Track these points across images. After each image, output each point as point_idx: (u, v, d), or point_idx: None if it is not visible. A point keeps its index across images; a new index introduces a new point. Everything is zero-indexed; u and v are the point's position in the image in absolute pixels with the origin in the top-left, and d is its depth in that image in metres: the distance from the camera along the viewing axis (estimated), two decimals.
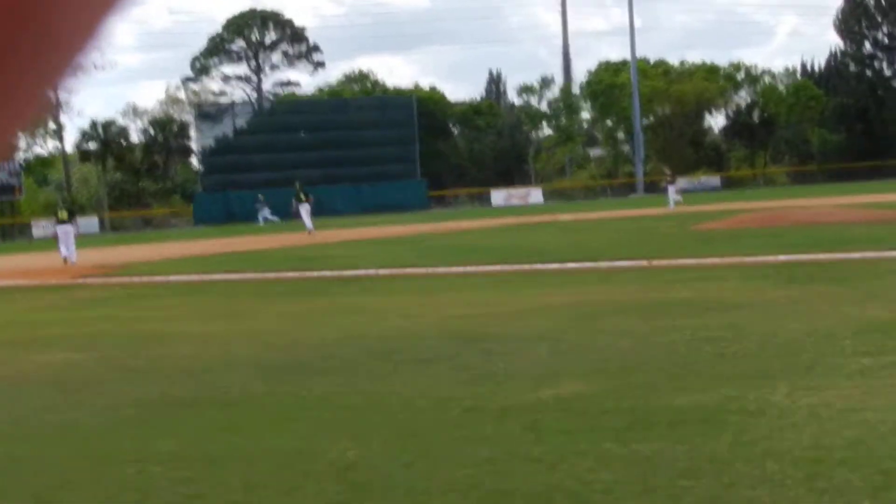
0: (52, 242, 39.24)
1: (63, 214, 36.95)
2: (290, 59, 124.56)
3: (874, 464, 6.37)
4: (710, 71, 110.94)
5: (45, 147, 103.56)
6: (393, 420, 8.32)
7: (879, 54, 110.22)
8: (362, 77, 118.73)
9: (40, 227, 79.66)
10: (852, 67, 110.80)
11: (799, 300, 14.04)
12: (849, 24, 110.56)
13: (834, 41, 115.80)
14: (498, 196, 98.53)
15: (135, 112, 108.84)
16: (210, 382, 10.51)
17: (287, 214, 64.41)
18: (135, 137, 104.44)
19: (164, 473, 7.13)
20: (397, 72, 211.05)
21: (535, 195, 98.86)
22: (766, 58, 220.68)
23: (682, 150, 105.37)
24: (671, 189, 59.06)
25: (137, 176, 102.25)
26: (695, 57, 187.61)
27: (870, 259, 19.32)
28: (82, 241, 41.91)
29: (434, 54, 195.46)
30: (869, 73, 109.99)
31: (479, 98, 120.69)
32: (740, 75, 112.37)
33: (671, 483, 6.25)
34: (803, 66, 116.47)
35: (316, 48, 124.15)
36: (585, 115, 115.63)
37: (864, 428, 7.15)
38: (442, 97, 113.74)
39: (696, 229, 32.80)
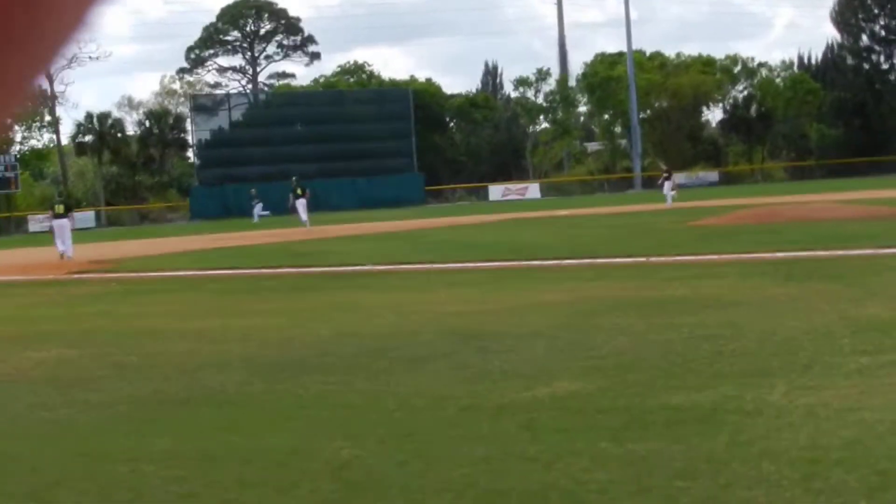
0: (48, 237, 39.21)
1: (60, 208, 36.89)
2: (286, 51, 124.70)
3: (871, 464, 6.34)
4: (707, 63, 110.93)
5: (41, 140, 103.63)
6: (388, 419, 8.29)
7: (877, 47, 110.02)
8: (358, 69, 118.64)
9: (36, 222, 79.65)
10: (849, 60, 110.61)
11: (797, 298, 14.02)
12: (845, 16, 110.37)
13: (831, 34, 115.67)
14: (495, 191, 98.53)
15: (130, 104, 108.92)
16: (205, 380, 10.48)
17: (280, 209, 64.29)
18: (130, 130, 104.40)
19: (158, 472, 7.10)
20: (393, 64, 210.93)
21: (533, 190, 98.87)
22: (762, 50, 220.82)
23: (680, 145, 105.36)
24: (667, 185, 58.91)
25: (134, 169, 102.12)
26: (691, 49, 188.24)
27: (868, 256, 19.30)
28: (79, 235, 41.87)
29: (430, 46, 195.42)
30: (866, 66, 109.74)
31: (475, 91, 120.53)
32: (737, 68, 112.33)
33: (667, 483, 6.22)
34: (800, 58, 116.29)
35: (311, 39, 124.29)
36: (582, 108, 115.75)
37: (862, 428, 7.13)
38: (438, 90, 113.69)
39: (694, 225, 32.80)
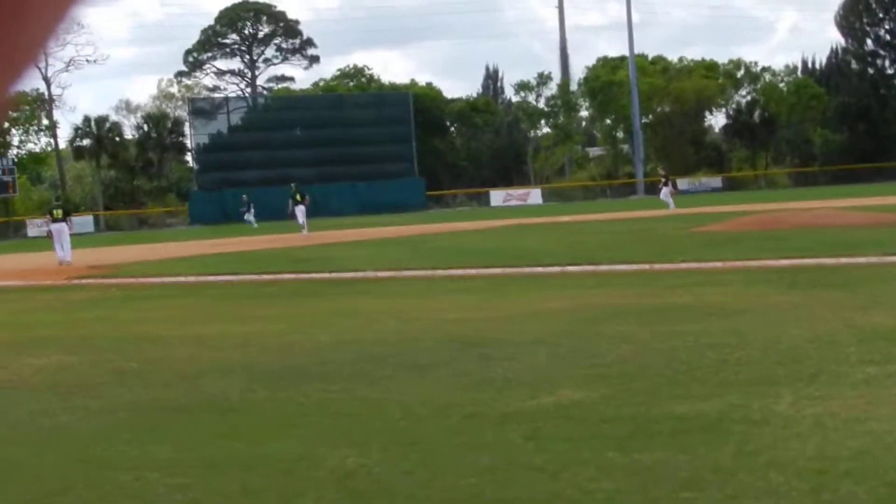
0: (46, 242, 39.18)
1: (58, 213, 36.85)
2: (284, 54, 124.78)
3: (879, 475, 6.30)
4: (710, 68, 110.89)
5: (39, 143, 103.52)
6: (392, 427, 8.24)
7: (881, 52, 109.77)
8: (357, 72, 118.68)
9: (35, 226, 79.62)
10: (854, 65, 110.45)
11: (802, 306, 13.97)
12: (850, 20, 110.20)
13: (835, 38, 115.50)
14: (497, 196, 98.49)
15: (128, 108, 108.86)
16: (206, 387, 10.43)
17: (274, 215, 64.32)
18: (129, 134, 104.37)
19: (161, 479, 7.06)
20: (393, 67, 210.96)
21: (535, 195, 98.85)
22: (766, 55, 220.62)
23: (682, 150, 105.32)
24: (664, 190, 58.77)
25: (132, 174, 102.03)
26: (693, 53, 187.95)
27: (874, 264, 19.23)
28: (78, 240, 41.86)
29: (430, 49, 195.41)
30: (871, 70, 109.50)
31: (475, 94, 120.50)
32: (740, 73, 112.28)
33: (673, 494, 6.18)
34: (804, 63, 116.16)
35: (310, 42, 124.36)
36: (584, 113, 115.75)
37: (870, 438, 7.08)
38: (438, 94, 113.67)
39: (697, 232, 32.73)
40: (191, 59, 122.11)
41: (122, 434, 8.56)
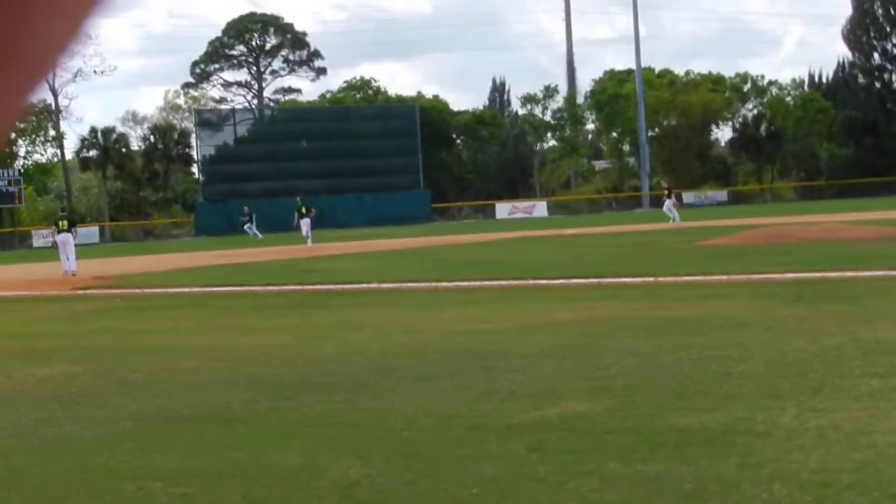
0: (52, 253, 39.23)
1: (63, 224, 36.88)
2: (291, 66, 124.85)
3: (883, 488, 6.30)
4: (716, 81, 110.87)
5: (45, 154, 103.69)
6: (396, 438, 8.24)
7: (889, 66, 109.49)
8: (364, 84, 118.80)
9: (40, 237, 79.69)
10: (861, 79, 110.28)
11: (806, 319, 13.96)
12: (857, 34, 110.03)
13: (842, 52, 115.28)
14: (502, 209, 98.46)
15: (134, 119, 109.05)
16: (210, 397, 10.43)
17: (282, 227, 64.42)
18: (135, 145, 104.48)
19: (165, 489, 7.07)
20: (400, 79, 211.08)
21: (540, 208, 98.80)
22: (772, 68, 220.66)
23: (689, 163, 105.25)
24: (667, 203, 58.64)
25: (138, 185, 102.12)
26: (700, 67, 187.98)
27: (879, 277, 19.22)
28: (82, 251, 41.92)
29: (437, 62, 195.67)
30: (878, 85, 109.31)
31: (482, 107, 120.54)
32: (747, 86, 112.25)
33: None
34: (811, 77, 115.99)
35: (317, 54, 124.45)
36: (590, 126, 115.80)
37: (873, 451, 7.07)
38: (445, 106, 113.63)
39: (703, 245, 32.70)
40: (198, 70, 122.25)
41: (126, 444, 8.56)
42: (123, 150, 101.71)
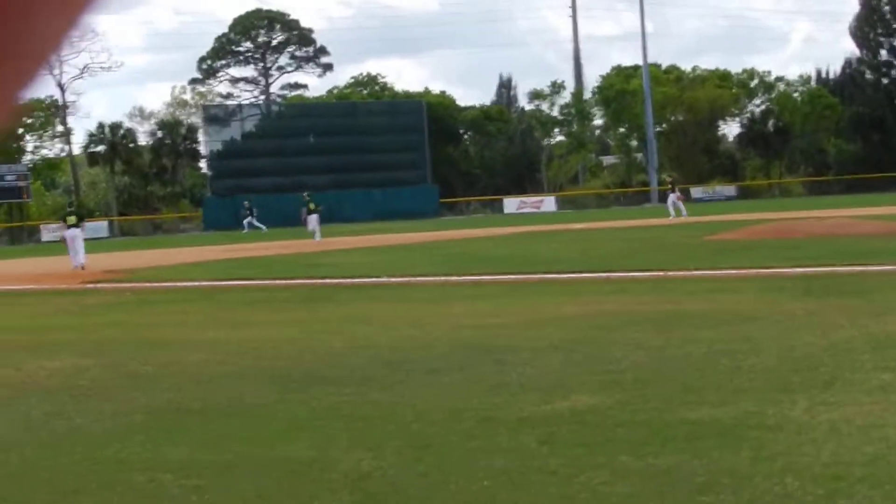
0: (60, 247, 39.27)
1: (71, 220, 36.92)
2: (298, 62, 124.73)
3: (895, 480, 6.27)
4: (723, 77, 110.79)
5: (53, 149, 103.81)
6: (406, 430, 8.24)
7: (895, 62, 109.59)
8: (371, 81, 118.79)
9: (49, 231, 79.72)
10: (868, 75, 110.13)
11: (816, 313, 13.93)
12: (864, 30, 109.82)
13: (849, 48, 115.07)
14: (510, 204, 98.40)
15: (142, 114, 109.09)
16: (219, 390, 10.44)
17: (289, 222, 64.45)
18: (142, 140, 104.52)
19: (175, 481, 7.08)
20: (407, 75, 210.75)
21: (548, 203, 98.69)
22: (779, 65, 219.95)
23: (696, 159, 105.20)
24: (671, 197, 58.32)
25: (146, 180, 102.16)
26: (707, 63, 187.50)
27: (888, 272, 19.18)
28: (91, 245, 41.85)
29: (444, 58, 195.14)
30: (885, 81, 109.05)
31: (489, 103, 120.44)
32: (754, 82, 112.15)
33: (689, 498, 6.17)
34: (818, 73, 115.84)
35: (324, 51, 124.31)
36: (598, 121, 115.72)
37: (885, 444, 7.07)
38: (452, 102, 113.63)
39: (711, 240, 32.66)
40: (205, 66, 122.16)
41: (136, 436, 8.57)
42: (131, 145, 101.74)
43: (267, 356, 12.75)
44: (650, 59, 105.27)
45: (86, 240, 37.07)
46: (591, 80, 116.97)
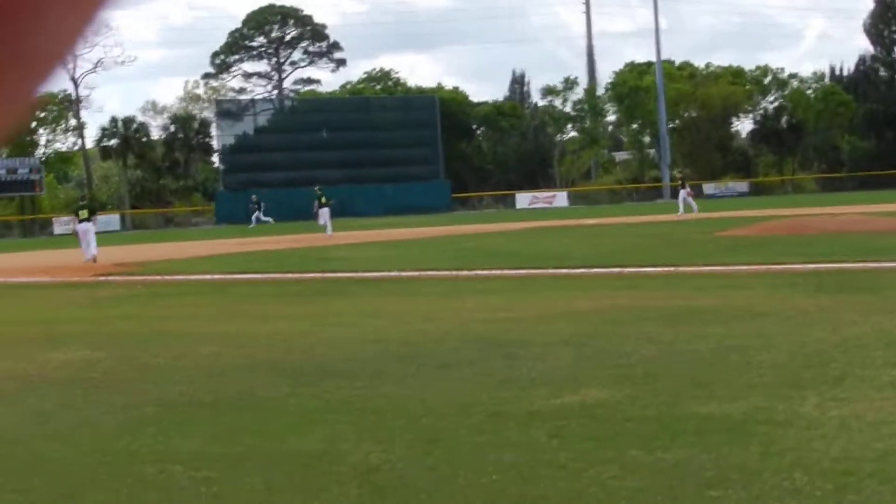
0: (73, 240, 39.34)
1: (83, 214, 37.03)
2: (311, 57, 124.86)
3: None
4: (737, 74, 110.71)
5: (66, 143, 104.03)
6: (416, 424, 8.24)
7: None
8: (384, 76, 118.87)
9: (61, 224, 79.88)
10: (882, 72, 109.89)
11: (828, 309, 13.90)
12: (878, 27, 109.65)
13: (863, 45, 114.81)
14: (522, 199, 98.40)
15: (155, 108, 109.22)
16: (231, 383, 10.45)
17: (301, 216, 64.48)
18: (155, 134, 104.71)
19: (186, 473, 7.09)
20: (420, 71, 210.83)
21: (560, 198, 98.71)
22: (793, 61, 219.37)
23: (709, 155, 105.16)
24: (682, 193, 58.15)
25: (158, 173, 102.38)
26: (720, 60, 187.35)
27: None
28: (103, 238, 41.98)
29: (457, 53, 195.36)
30: None
31: (502, 99, 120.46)
32: (767, 79, 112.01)
33: (698, 493, 6.17)
34: (832, 70, 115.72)
35: (337, 46, 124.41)
36: (611, 117, 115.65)
37: (895, 440, 7.04)
38: (465, 97, 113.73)
39: (723, 236, 32.62)
40: (218, 61, 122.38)
41: (147, 428, 8.58)
42: (144, 139, 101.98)
43: (278, 349, 12.76)
44: (664, 56, 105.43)
45: (98, 233, 37.21)
46: (605, 76, 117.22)
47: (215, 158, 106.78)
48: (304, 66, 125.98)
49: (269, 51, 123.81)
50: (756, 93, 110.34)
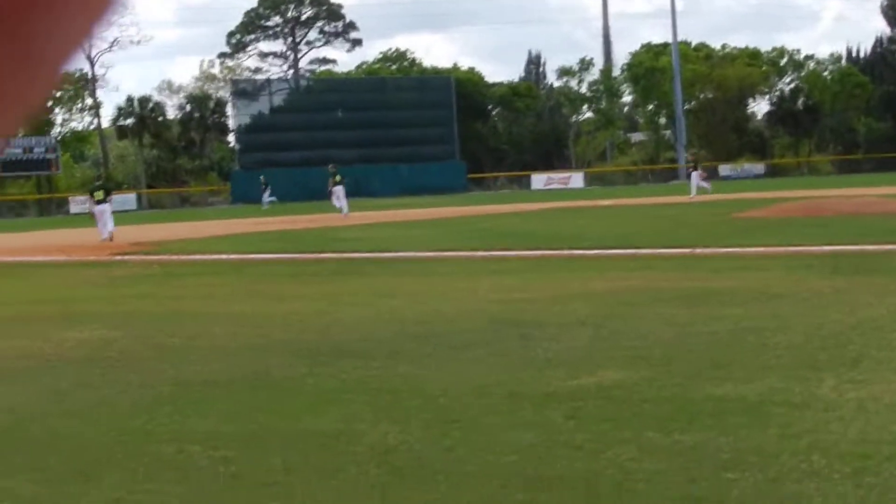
0: (89, 219, 39.39)
1: (99, 195, 37.15)
2: (327, 37, 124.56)
3: None
4: (753, 56, 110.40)
5: (82, 122, 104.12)
6: (432, 404, 8.24)
7: None
8: (400, 56, 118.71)
9: (77, 203, 79.96)
10: None
11: (844, 291, 13.87)
12: (895, 9, 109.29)
13: (880, 27, 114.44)
14: (538, 180, 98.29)
15: (170, 88, 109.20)
16: (247, 363, 10.47)
17: (317, 195, 64.47)
18: (171, 114, 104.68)
19: (204, 452, 7.10)
20: (435, 51, 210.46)
21: (576, 179, 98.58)
22: (810, 43, 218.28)
23: (725, 136, 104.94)
24: (694, 175, 57.95)
25: (174, 153, 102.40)
26: (737, 41, 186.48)
27: None
28: (120, 217, 42.10)
29: (473, 34, 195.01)
30: None
31: (517, 79, 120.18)
32: (783, 61, 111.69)
33: (715, 475, 6.16)
34: (848, 52, 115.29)
35: (352, 26, 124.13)
36: (626, 98, 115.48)
37: None
38: (480, 78, 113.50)
39: (739, 217, 32.55)
40: (234, 40, 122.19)
41: (164, 408, 8.60)
42: (160, 118, 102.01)
43: (294, 329, 12.77)
44: (680, 37, 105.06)
45: (114, 212, 37.33)
46: (621, 57, 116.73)
47: (231, 138, 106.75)
48: (320, 46, 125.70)
49: (285, 30, 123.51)
50: (772, 74, 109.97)
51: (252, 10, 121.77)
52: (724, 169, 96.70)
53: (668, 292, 14.60)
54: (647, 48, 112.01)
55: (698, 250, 21.15)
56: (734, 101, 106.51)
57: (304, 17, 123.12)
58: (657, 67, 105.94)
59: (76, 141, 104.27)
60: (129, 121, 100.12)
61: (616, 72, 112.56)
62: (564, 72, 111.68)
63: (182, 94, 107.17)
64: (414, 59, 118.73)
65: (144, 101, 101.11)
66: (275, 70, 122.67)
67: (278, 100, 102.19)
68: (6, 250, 33.00)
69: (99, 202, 36.65)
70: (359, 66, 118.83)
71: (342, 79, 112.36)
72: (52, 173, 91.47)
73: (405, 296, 15.77)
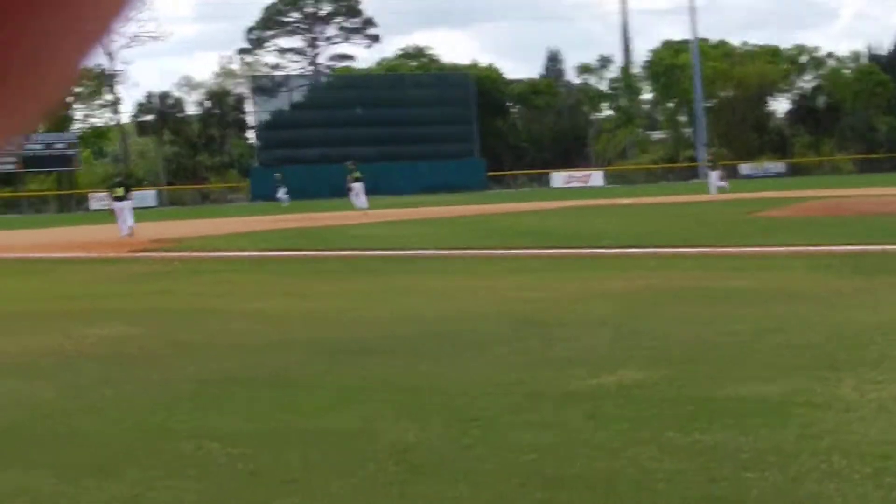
0: (109, 216, 39.54)
1: (119, 191, 37.31)
2: (346, 33, 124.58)
3: None
4: (773, 53, 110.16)
5: (102, 118, 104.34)
6: (452, 403, 8.24)
7: None
8: (419, 53, 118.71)
9: (97, 200, 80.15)
10: None
11: (865, 291, 13.83)
12: None
13: None
14: (557, 178, 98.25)
15: (190, 84, 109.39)
16: (267, 360, 10.48)
17: (336, 193, 64.54)
18: (190, 110, 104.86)
19: (223, 449, 7.10)
20: (455, 48, 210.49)
21: (596, 178, 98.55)
22: (830, 40, 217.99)
23: (745, 135, 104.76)
24: (713, 175, 57.93)
25: (194, 149, 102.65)
26: (757, 38, 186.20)
27: None
28: (140, 214, 42.27)
29: (492, 30, 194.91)
30: None
31: (537, 76, 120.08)
32: (803, 58, 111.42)
33: (735, 475, 6.14)
34: (869, 50, 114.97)
35: (371, 22, 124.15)
36: (646, 96, 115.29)
37: None
38: (499, 75, 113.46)
39: (759, 216, 32.49)
40: (253, 36, 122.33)
41: (184, 405, 8.62)
42: (179, 115, 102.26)
43: (315, 326, 12.77)
44: (699, 34, 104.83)
45: (134, 209, 37.49)
46: (640, 54, 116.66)
47: (250, 134, 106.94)
48: (339, 43, 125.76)
49: (304, 26, 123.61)
50: (792, 72, 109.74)
51: (271, 5, 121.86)
52: (745, 168, 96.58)
53: (688, 291, 14.58)
54: (667, 45, 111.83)
55: (718, 249, 21.11)
56: (754, 100, 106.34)
57: (322, 13, 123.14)
58: (677, 65, 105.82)
59: (96, 137, 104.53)
60: (150, 117, 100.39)
61: (636, 69, 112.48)
62: (584, 69, 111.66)
63: (202, 91, 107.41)
64: (433, 56, 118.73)
65: (164, 97, 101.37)
66: (293, 66, 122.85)
67: (298, 96, 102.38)
68: (27, 246, 33.13)
69: (118, 199, 36.78)
70: (378, 63, 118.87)
71: (361, 75, 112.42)
72: (73, 169, 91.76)
73: (425, 294, 15.77)
